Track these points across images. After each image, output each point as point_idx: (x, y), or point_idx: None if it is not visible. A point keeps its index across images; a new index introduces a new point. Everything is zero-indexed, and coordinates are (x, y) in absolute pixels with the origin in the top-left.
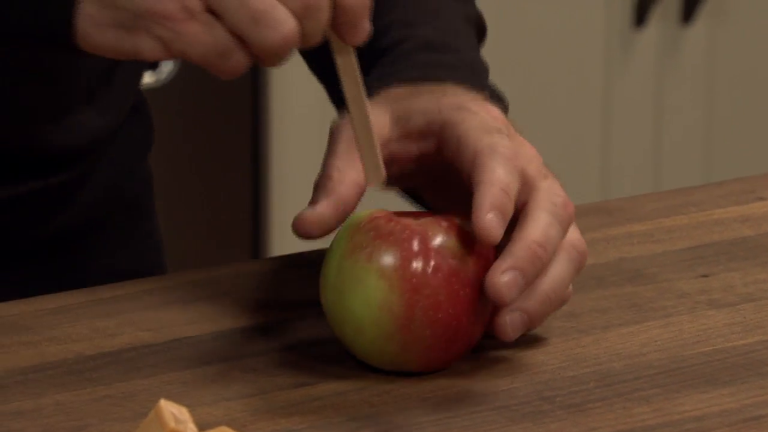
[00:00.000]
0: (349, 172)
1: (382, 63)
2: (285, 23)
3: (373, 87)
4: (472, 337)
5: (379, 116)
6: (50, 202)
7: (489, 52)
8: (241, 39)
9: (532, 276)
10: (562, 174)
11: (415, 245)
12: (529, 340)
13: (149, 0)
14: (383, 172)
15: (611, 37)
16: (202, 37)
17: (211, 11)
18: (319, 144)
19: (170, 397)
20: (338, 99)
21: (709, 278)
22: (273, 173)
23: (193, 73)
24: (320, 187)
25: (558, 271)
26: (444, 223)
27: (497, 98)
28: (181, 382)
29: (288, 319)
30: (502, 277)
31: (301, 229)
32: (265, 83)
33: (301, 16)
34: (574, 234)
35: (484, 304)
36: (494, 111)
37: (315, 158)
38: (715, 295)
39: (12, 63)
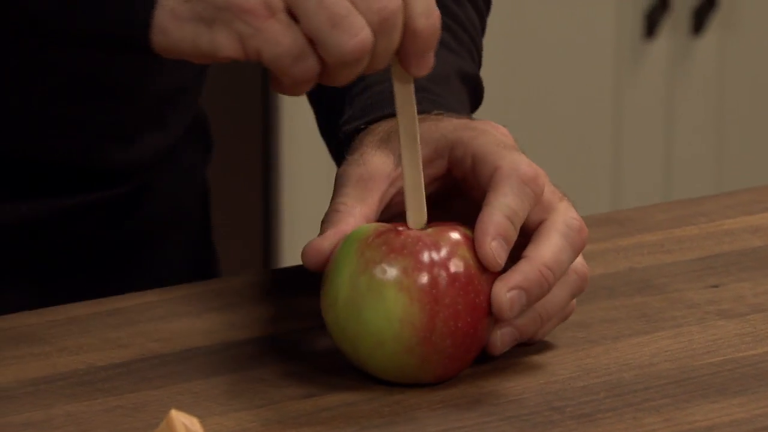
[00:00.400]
0: (357, 206)
1: (360, 101)
2: (362, 30)
3: (355, 122)
4: (483, 343)
5: (383, 157)
6: (112, 212)
7: (499, 62)
8: (314, 45)
9: (535, 298)
10: (572, 184)
11: (430, 256)
12: (539, 349)
13: None
14: (425, 214)
15: (622, 48)
16: (281, 36)
17: (290, 12)
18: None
19: (181, 408)
20: (325, 128)
21: (719, 288)
22: (284, 184)
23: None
24: (328, 221)
25: (555, 293)
26: (452, 233)
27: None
28: (192, 392)
29: (298, 329)
30: (507, 294)
31: (311, 260)
32: (276, 94)
33: (375, 30)
34: (579, 258)
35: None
36: (501, 128)
37: (326, 168)
38: (725, 305)
39: (82, 70)
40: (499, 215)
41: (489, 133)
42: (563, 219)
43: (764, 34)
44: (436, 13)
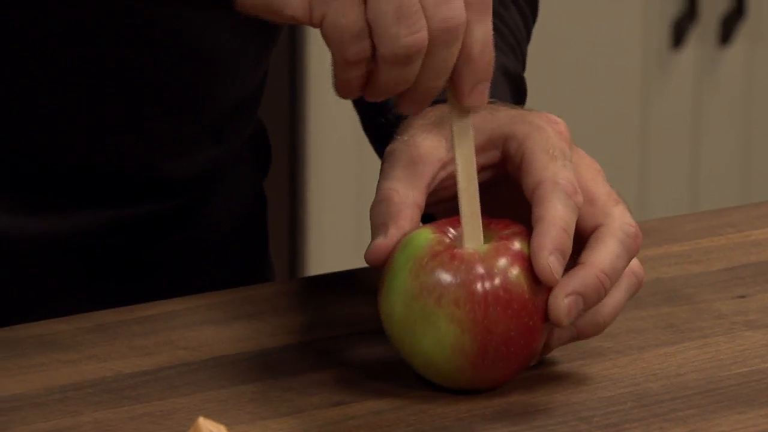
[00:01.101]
0: (410, 193)
1: None
2: (422, 30)
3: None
4: (538, 351)
5: (434, 140)
6: (164, 226)
7: (527, 74)
8: (372, 33)
9: (592, 303)
10: None
11: (483, 285)
12: (565, 359)
13: None
14: (482, 239)
15: (649, 58)
16: (348, 9)
17: None
18: (356, 164)
19: (208, 416)
20: (369, 128)
21: (747, 299)
22: (310, 194)
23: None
24: (383, 212)
25: (615, 298)
26: (506, 252)
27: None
28: (219, 400)
29: (326, 338)
30: (565, 300)
31: (377, 260)
32: (303, 100)
33: (436, 38)
34: (634, 260)
35: (549, 323)
36: (558, 123)
37: (352, 179)
38: (752, 316)
39: (144, 77)
40: (554, 229)
41: (543, 130)
42: (619, 224)
43: None
44: (491, 46)
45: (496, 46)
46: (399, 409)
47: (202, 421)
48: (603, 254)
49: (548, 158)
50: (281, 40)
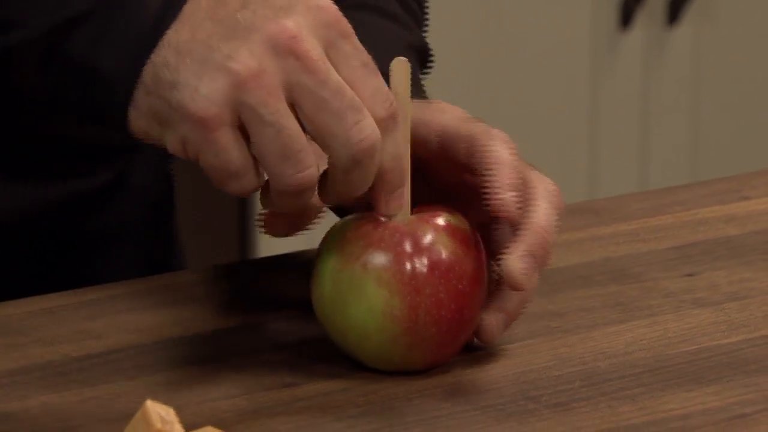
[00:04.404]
0: None
1: None
2: (310, 168)
3: None
4: (472, 328)
5: None
6: (90, 202)
7: (475, 54)
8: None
9: (542, 260)
10: (548, 174)
11: (408, 247)
12: (514, 339)
13: (187, 98)
14: (407, 205)
15: (597, 38)
16: (223, 152)
17: (242, 128)
18: None
19: (157, 398)
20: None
21: (695, 277)
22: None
23: None
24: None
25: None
26: (431, 221)
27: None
28: (168, 382)
29: (274, 319)
30: (519, 263)
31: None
32: None
33: (354, 161)
34: (545, 178)
35: (480, 295)
36: (457, 108)
37: None
38: (700, 294)
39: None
40: (506, 169)
41: (447, 111)
42: (542, 186)
43: (740, 25)
44: (406, 156)
45: (400, 25)
46: (348, 390)
47: (150, 404)
48: (537, 214)
49: (469, 123)
50: None
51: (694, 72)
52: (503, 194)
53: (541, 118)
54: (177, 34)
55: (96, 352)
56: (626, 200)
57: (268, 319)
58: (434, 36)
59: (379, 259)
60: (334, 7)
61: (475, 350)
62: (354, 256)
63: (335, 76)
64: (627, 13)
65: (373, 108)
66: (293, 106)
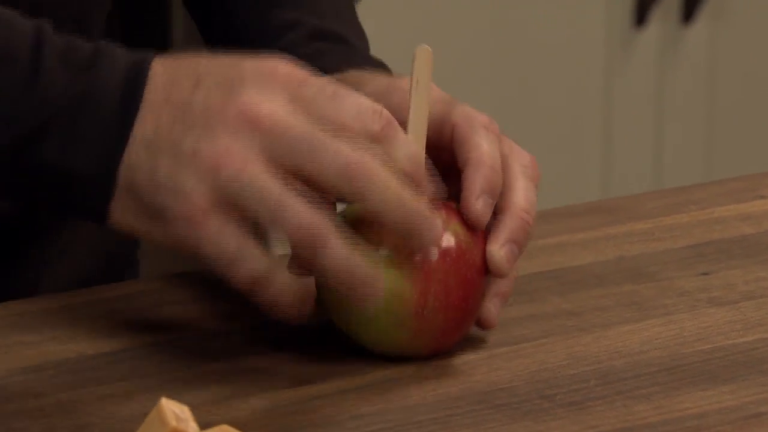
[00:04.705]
0: None
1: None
2: (309, 210)
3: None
4: (474, 318)
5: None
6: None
7: (489, 52)
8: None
9: (524, 244)
10: (562, 173)
11: None
12: (529, 338)
13: (169, 200)
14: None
15: (612, 37)
16: (216, 241)
17: (230, 210)
18: None
19: (171, 396)
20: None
21: (710, 276)
22: None
23: None
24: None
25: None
26: (444, 208)
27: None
28: (183, 380)
29: None
30: (502, 251)
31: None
32: None
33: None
34: (520, 152)
35: (483, 286)
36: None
37: None
38: (715, 293)
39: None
40: (483, 170)
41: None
42: (517, 160)
43: (754, 23)
44: (421, 148)
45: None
46: (363, 389)
47: (165, 402)
48: (516, 195)
49: (445, 104)
50: None
51: (709, 70)
52: (474, 203)
53: (556, 117)
54: (143, 127)
55: (111, 349)
56: (641, 199)
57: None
58: (447, 34)
59: (393, 241)
60: (282, 64)
61: (490, 349)
62: (367, 237)
63: (303, 124)
64: (642, 12)
65: (363, 128)
66: (286, 175)
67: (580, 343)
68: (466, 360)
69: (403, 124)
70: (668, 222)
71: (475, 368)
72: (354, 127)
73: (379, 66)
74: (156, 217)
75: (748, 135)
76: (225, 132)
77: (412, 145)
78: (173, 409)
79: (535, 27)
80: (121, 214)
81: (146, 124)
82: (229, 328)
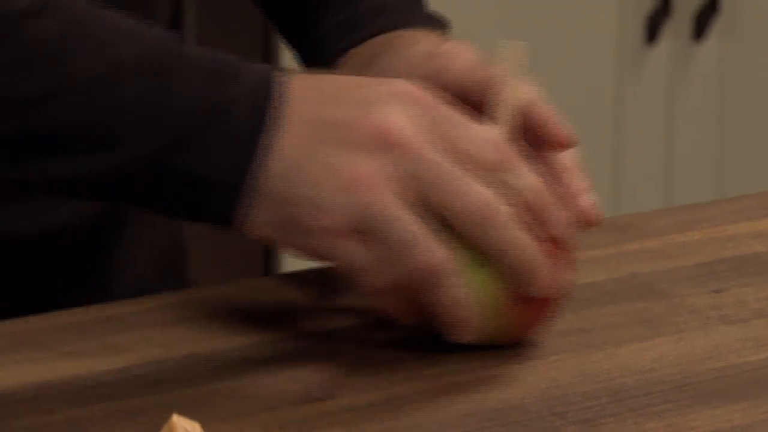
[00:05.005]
0: None
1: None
2: (435, 252)
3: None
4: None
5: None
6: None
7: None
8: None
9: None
10: None
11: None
12: (541, 355)
13: (311, 214)
14: None
15: (623, 53)
16: (350, 255)
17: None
18: None
19: (183, 413)
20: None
21: (721, 294)
22: None
23: None
24: None
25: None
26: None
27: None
28: (194, 397)
29: (300, 334)
30: (588, 199)
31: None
32: None
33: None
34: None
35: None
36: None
37: None
38: (726, 310)
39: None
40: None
41: (461, 54)
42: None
43: (765, 40)
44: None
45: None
46: (375, 405)
47: (177, 419)
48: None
49: (481, 70)
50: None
51: (720, 87)
52: (587, 200)
53: None
54: (279, 140)
55: (123, 366)
56: (652, 216)
57: (293, 334)
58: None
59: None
60: (414, 87)
61: (501, 366)
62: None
63: (435, 153)
64: (653, 28)
65: (488, 158)
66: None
67: (591, 360)
68: (477, 377)
69: (445, 86)
70: (680, 239)
71: (486, 385)
72: (478, 157)
73: (436, 23)
74: (290, 229)
75: (759, 151)
76: (360, 149)
77: (532, 176)
78: (184, 426)
79: (547, 43)
80: (261, 224)
81: (283, 138)
82: (240, 344)
